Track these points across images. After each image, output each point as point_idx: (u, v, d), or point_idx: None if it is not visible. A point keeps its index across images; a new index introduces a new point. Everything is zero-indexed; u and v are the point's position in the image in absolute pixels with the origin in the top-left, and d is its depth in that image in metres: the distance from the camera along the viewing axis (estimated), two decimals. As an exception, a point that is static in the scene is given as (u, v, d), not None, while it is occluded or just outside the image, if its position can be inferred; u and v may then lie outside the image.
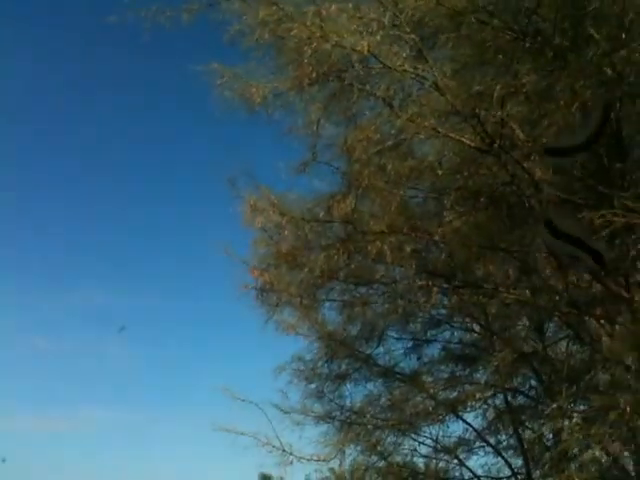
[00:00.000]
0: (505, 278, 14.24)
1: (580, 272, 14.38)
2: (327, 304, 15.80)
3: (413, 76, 11.47)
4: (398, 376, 16.53)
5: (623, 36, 9.45)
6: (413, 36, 10.94)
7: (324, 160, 13.55)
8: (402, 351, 16.45)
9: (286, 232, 14.28)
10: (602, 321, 13.37)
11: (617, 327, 13.17)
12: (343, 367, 16.42)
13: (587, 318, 13.71)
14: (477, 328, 16.10)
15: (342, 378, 16.47)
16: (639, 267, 11.97)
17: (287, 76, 12.19)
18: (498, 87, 10.24)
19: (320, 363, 16.40)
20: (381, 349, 16.35)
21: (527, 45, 10.14)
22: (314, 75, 11.68)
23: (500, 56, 10.29)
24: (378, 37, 10.73)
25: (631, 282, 12.38)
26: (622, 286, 12.26)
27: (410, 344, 16.35)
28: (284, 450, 15.45)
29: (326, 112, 12.67)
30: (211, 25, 12.47)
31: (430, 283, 13.64)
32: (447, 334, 16.54)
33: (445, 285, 13.68)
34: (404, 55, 11.29)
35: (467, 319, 15.99)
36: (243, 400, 15.74)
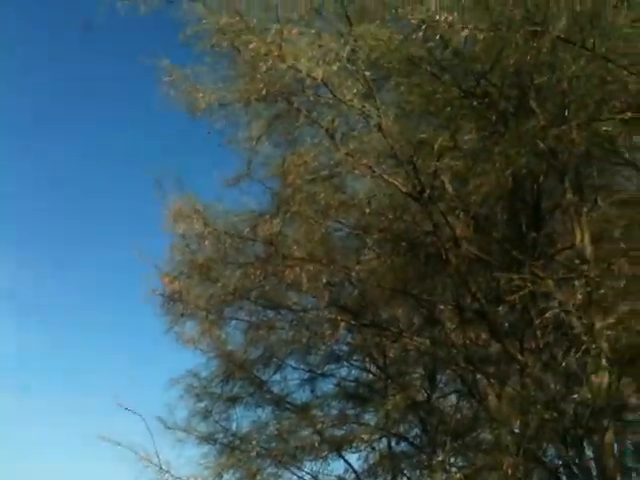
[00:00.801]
0: (410, 324, 14.57)
1: (480, 330, 14.97)
2: (233, 323, 15.62)
3: (359, 113, 11.68)
4: (289, 406, 16.46)
5: (564, 113, 10.01)
6: (367, 74, 11.13)
7: (258, 178, 13.53)
8: (297, 381, 16.42)
9: (206, 243, 14.05)
10: (493, 380, 13.86)
11: (506, 389, 13.68)
12: (236, 389, 16.20)
13: (479, 376, 14.16)
14: (374, 369, 16.30)
15: (233, 400, 16.21)
16: (538, 335, 12.47)
17: (236, 88, 12.12)
18: (439, 139, 10.55)
19: (214, 382, 16.10)
20: (277, 376, 16.27)
21: (473, 104, 10.56)
22: (264, 92, 11.68)
23: (447, 109, 10.65)
24: (334, 68, 10.87)
25: (525, 347, 12.95)
26: (517, 349, 12.79)
27: (306, 375, 16.35)
28: (161, 467, 14.90)
29: (268, 131, 12.66)
30: (167, 22, 12.33)
31: (339, 317, 13.73)
32: (344, 371, 16.68)
33: (352, 322, 13.81)
34: (355, 91, 11.49)
35: (366, 359, 16.18)
36: (127, 409, 15.12)
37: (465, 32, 8.75)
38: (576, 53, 8.73)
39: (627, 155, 11.46)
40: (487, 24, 9.02)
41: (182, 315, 15.03)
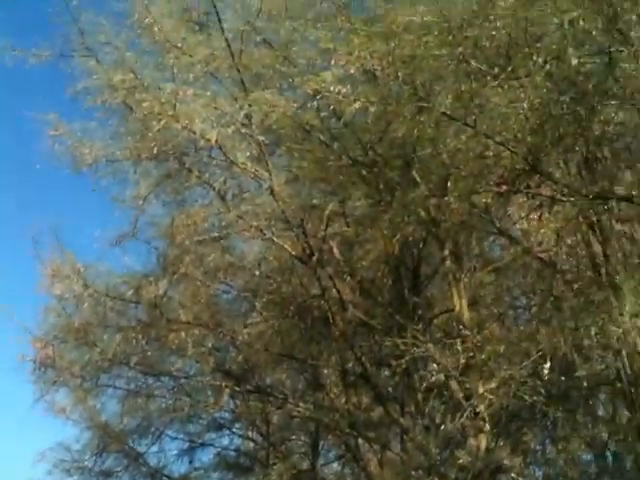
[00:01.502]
0: (294, 390, 14.45)
1: (363, 394, 15.10)
2: (109, 391, 14.71)
3: (252, 176, 11.83)
4: (166, 479, 15.59)
5: (445, 185, 10.62)
6: (261, 138, 11.34)
7: (144, 238, 13.17)
8: (176, 452, 15.66)
9: (85, 305, 13.34)
10: (375, 445, 13.93)
11: (388, 453, 13.78)
12: (110, 463, 15.18)
13: (362, 441, 14.17)
14: (257, 437, 15.89)
15: (107, 475, 15.16)
16: (419, 398, 12.73)
17: (126, 145, 11.92)
18: (330, 205, 10.84)
19: (87, 455, 15.01)
20: (155, 448, 15.43)
21: (362, 173, 11.00)
22: (155, 150, 11.57)
23: (338, 177, 11.00)
24: (229, 130, 10.99)
25: (406, 410, 13.18)
26: (399, 413, 12.98)
27: (186, 445, 15.66)
28: None
29: (157, 189, 12.47)
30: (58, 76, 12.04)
31: (223, 384, 13.38)
32: (226, 440, 16.15)
33: (237, 388, 13.49)
34: (248, 154, 11.65)
35: (249, 426, 15.76)
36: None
37: (357, 104, 9.15)
38: (458, 129, 9.36)
39: (500, 225, 12.26)
40: (377, 98, 9.49)
41: (54, 383, 14.02)
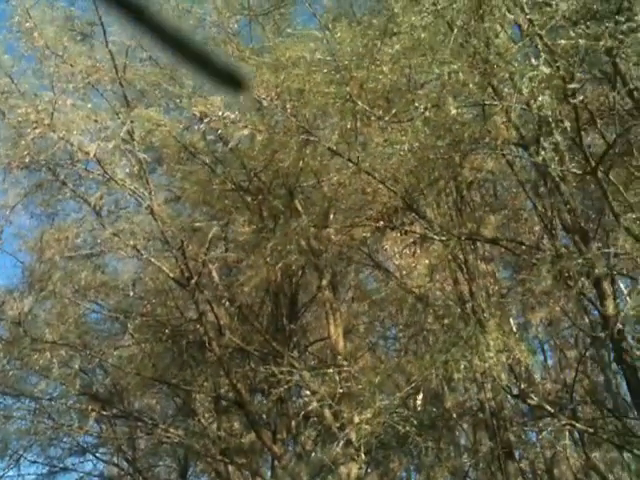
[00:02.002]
0: (165, 415, 14.05)
1: (235, 420, 14.93)
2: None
3: (131, 193, 11.47)
4: (18, 507, 14.57)
5: (327, 216, 10.82)
6: (142, 155, 11.03)
7: (9, 250, 12.38)
8: (34, 477, 14.69)
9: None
10: (245, 472, 13.78)
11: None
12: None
13: (232, 468, 13.98)
14: (122, 463, 15.25)
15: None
16: (292, 425, 12.77)
17: (-6, 152, 11.20)
18: (213, 229, 10.71)
19: None
20: (12, 472, 14.38)
21: (247, 199, 10.96)
22: (27, 160, 10.96)
23: (222, 201, 10.90)
24: (109, 145, 10.61)
25: (278, 437, 13.16)
26: (271, 440, 12.93)
27: (45, 470, 14.72)
28: None
29: (26, 200, 11.80)
30: None
31: (89, 407, 12.76)
32: (89, 465, 15.34)
33: (104, 412, 12.91)
34: (127, 170, 11.30)
35: (115, 452, 15.10)
36: None
37: (246, 131, 9.14)
38: (341, 164, 9.58)
39: (376, 259, 12.64)
40: (265, 127, 9.54)
41: None
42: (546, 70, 6.36)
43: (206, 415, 13.80)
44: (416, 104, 7.79)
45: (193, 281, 11.48)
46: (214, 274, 12.24)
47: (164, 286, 12.42)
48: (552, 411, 9.37)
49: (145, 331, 12.49)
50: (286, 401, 12.78)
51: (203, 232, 11.26)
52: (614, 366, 14.27)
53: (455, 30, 7.28)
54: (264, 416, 13.27)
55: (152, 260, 11.59)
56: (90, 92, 11.39)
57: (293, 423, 12.68)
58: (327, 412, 11.30)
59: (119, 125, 10.98)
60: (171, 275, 11.67)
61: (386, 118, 8.22)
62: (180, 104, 10.66)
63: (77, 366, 12.34)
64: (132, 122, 10.92)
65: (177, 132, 10.93)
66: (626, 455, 12.60)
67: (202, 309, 11.85)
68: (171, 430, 12.85)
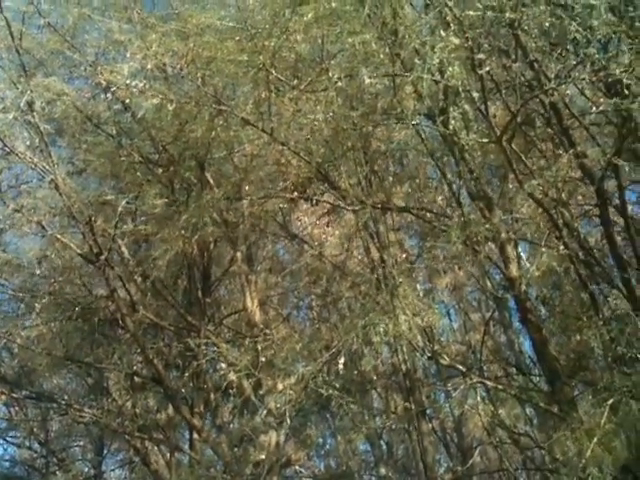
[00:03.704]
0: (78, 395, 13.69)
1: (152, 397, 14.74)
2: None
3: (33, 167, 10.94)
4: None
5: (240, 189, 10.74)
6: (44, 127, 10.52)
7: None
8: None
9: None
10: (163, 447, 13.67)
11: (177, 455, 13.59)
12: None
13: (150, 444, 13.82)
14: (35, 446, 14.79)
15: None
16: (210, 398, 12.73)
17: None
18: (122, 203, 10.42)
19: None
20: None
21: (157, 172, 10.70)
22: None
23: (132, 174, 10.60)
24: (9, 117, 10.03)
25: (196, 411, 13.12)
26: (189, 414, 12.87)
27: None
28: None
29: None
30: None
31: (-3, 391, 12.25)
32: (-1, 449, 14.80)
33: (13, 394, 12.42)
34: (28, 143, 10.77)
35: (27, 435, 14.60)
36: None
37: (156, 100, 8.89)
38: (255, 135, 9.51)
39: (292, 229, 12.72)
40: (174, 96, 9.31)
41: None
42: (455, 41, 6.54)
43: (121, 393, 13.57)
44: (329, 74, 7.82)
45: (103, 257, 11.12)
46: (124, 249, 11.92)
47: (72, 263, 11.99)
48: (463, 370, 9.82)
49: (53, 310, 12.04)
50: (203, 375, 12.73)
51: (112, 206, 10.91)
52: (516, 326, 15.14)
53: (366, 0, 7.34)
54: (182, 391, 13.17)
55: (58, 236, 11.16)
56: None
57: (212, 396, 12.68)
58: (246, 383, 11.34)
59: (18, 95, 10.40)
60: (79, 252, 11.28)
61: (300, 88, 8.21)
62: (83, 73, 10.21)
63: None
64: (31, 92, 10.37)
65: (80, 102, 10.48)
66: (528, 410, 13.41)
67: (113, 285, 11.52)
68: (85, 410, 12.54)
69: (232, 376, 11.39)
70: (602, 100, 7.45)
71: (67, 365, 12.78)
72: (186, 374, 12.67)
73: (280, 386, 9.89)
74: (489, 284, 14.00)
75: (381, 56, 7.74)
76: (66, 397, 13.27)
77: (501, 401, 13.22)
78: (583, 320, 9.63)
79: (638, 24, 6.23)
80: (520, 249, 11.82)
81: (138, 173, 10.85)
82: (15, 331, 11.88)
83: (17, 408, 13.58)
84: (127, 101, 10.01)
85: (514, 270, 9.10)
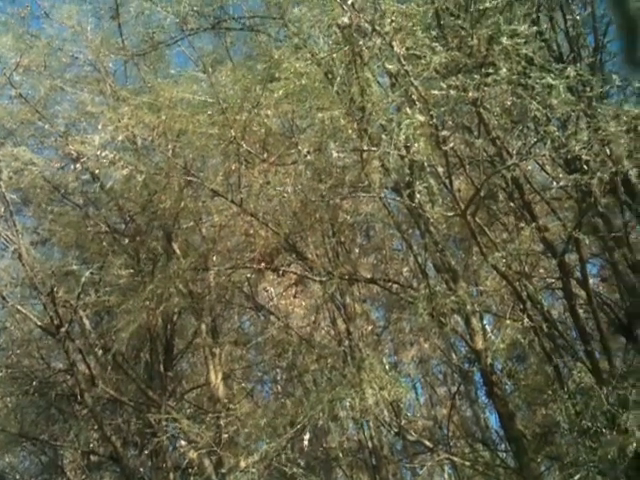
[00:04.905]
0: (30, 474, 13.06)
1: (108, 476, 14.12)
2: None
3: (-2, 238, 10.82)
4: None
5: (206, 259, 10.71)
6: (11, 196, 10.47)
7: None
8: None
9: None
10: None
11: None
12: None
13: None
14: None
15: None
16: (170, 477, 12.25)
17: None
18: (85, 273, 10.29)
19: None
20: None
21: (123, 242, 10.64)
22: None
23: (97, 244, 10.52)
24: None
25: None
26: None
27: None
28: None
29: None
30: None
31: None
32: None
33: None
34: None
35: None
36: None
37: (125, 171, 8.95)
38: (224, 206, 9.58)
39: (258, 300, 12.63)
40: (146, 167, 9.39)
41: None
42: (421, 118, 6.78)
43: (77, 472, 13.00)
44: (299, 147, 8.00)
45: (63, 329, 10.86)
46: (86, 321, 11.68)
47: (31, 335, 11.66)
48: (431, 446, 9.68)
49: (10, 384, 11.61)
50: (162, 453, 12.27)
51: (75, 276, 10.75)
52: (482, 400, 15.08)
53: (335, 78, 7.60)
54: (140, 470, 12.66)
55: (18, 307, 10.90)
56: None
57: (171, 475, 12.19)
58: (207, 461, 10.97)
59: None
60: (39, 323, 11.01)
61: (270, 160, 8.37)
62: (53, 143, 10.26)
63: None
64: (-1, 161, 10.36)
65: (48, 172, 10.49)
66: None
67: (73, 359, 11.22)
68: (36, 491, 11.95)
69: (193, 454, 11.04)
70: (562, 175, 7.74)
71: (21, 442, 12.21)
72: (145, 452, 12.24)
73: (243, 464, 9.57)
74: (455, 357, 14.02)
75: (349, 131, 7.95)
76: (18, 477, 12.63)
77: (468, 478, 13.02)
78: (548, 393, 9.64)
79: (595, 103, 6.57)
80: (485, 321, 11.93)
81: (104, 243, 10.79)
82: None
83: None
84: (96, 171, 10.03)
85: (480, 342, 9.14)
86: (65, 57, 10.89)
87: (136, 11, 9.77)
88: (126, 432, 12.63)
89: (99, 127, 9.32)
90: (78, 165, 9.33)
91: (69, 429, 12.13)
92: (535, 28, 6.91)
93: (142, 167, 9.27)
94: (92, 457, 13.05)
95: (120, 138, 9.11)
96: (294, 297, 11.92)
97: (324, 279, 9.70)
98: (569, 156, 6.98)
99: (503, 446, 12.19)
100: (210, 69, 8.54)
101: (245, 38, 9.93)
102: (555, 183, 7.96)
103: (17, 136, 10.95)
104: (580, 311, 9.54)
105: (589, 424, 8.21)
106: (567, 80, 6.19)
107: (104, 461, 12.61)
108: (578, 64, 7.42)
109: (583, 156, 6.45)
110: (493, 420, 14.32)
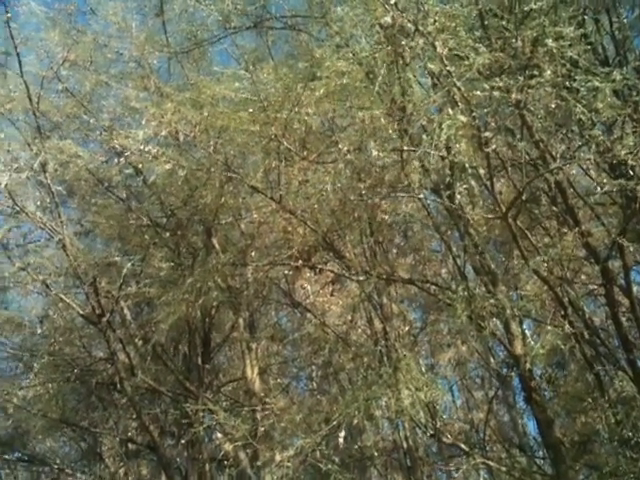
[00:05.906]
0: (71, 459, 13.40)
1: (145, 465, 14.41)
2: None
3: (42, 226, 11.08)
4: None
5: (245, 255, 10.79)
6: (57, 188, 10.71)
7: None
8: None
9: None
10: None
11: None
12: None
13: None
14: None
15: None
16: (206, 468, 12.42)
17: None
18: (127, 264, 10.47)
19: None
20: None
21: (164, 235, 10.81)
22: None
23: (139, 237, 10.70)
24: (22, 176, 10.23)
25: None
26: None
27: None
28: None
29: None
30: None
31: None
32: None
33: (6, 456, 12.16)
34: (39, 203, 10.95)
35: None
36: None
37: (168, 166, 9.07)
38: (263, 202, 9.64)
39: (294, 298, 12.67)
40: (186, 163, 9.49)
41: None
42: (463, 119, 6.68)
43: (115, 459, 13.27)
44: (339, 146, 7.98)
45: (105, 319, 11.10)
46: (126, 312, 11.90)
47: (73, 324, 11.94)
48: (467, 450, 9.56)
49: (52, 371, 11.91)
50: (198, 444, 12.44)
51: (117, 268, 10.96)
52: (520, 406, 14.86)
53: (376, 78, 7.55)
54: (177, 460, 12.87)
55: (62, 296, 11.16)
56: (2, 122, 11.00)
57: (207, 467, 12.36)
58: (242, 454, 11.07)
59: (32, 156, 10.64)
60: (81, 312, 11.26)
61: (309, 158, 8.37)
62: (98, 137, 10.46)
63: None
64: (45, 153, 10.60)
65: (93, 165, 10.70)
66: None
67: (113, 348, 11.45)
68: (77, 475, 12.26)
69: (228, 446, 11.16)
70: (606, 181, 7.54)
71: (62, 428, 12.52)
72: (182, 442, 12.43)
73: (278, 458, 9.62)
74: (493, 361, 13.84)
75: (389, 131, 7.90)
76: (58, 461, 12.96)
77: (504, 483, 12.83)
78: (588, 401, 9.44)
79: (642, 108, 6.40)
80: (525, 326, 11.74)
81: (145, 236, 10.97)
82: (12, 390, 11.72)
83: (8, 470, 13.24)
84: (139, 166, 10.20)
85: (519, 347, 8.98)
86: (110, 53, 11.10)
87: (180, 9, 9.91)
88: (164, 422, 12.83)
89: (143, 122, 9.45)
90: (122, 159, 9.47)
91: (108, 417, 12.39)
92: (580, 31, 6.74)
93: (184, 162, 9.37)
94: (130, 445, 13.31)
95: (163, 133, 9.24)
96: (331, 295, 11.92)
97: (361, 278, 9.67)
98: (614, 161, 6.81)
99: (540, 453, 12.01)
100: (252, 67, 8.61)
101: (287, 37, 9.99)
102: (599, 188, 7.74)
103: (63, 129, 11.20)
104: (623, 319, 9.31)
105: (630, 434, 8.03)
106: (613, 84, 6.02)
107: (142, 449, 12.84)
108: (624, 68, 7.22)
109: (629, 161, 6.27)
110: (531, 426, 14.12)
